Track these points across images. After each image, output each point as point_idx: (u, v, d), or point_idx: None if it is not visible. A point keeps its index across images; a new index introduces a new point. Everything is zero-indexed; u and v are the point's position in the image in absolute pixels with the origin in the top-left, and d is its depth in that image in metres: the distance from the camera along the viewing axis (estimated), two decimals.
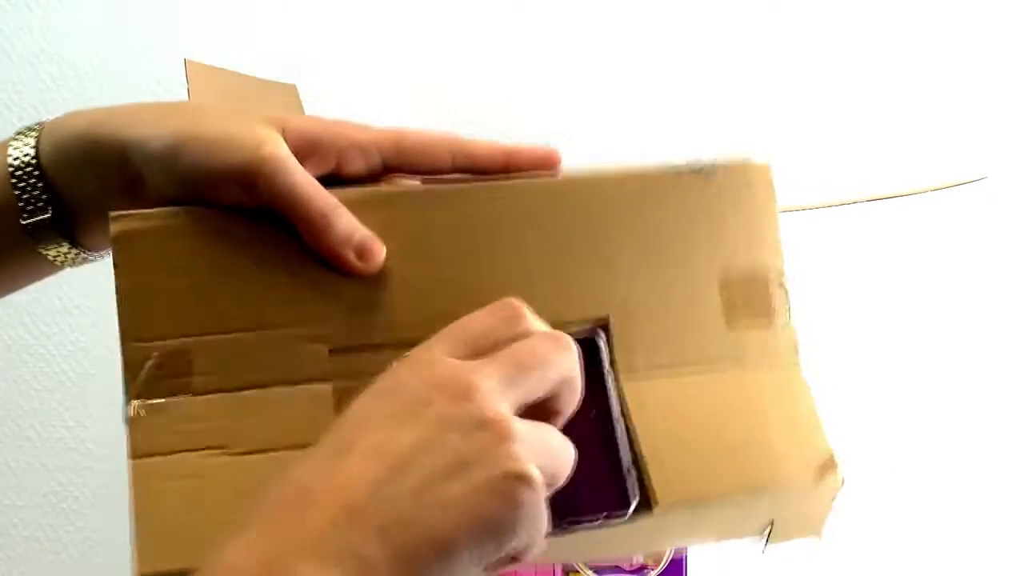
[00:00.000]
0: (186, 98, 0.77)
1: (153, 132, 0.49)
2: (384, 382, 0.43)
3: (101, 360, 1.09)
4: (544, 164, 0.53)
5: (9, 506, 1.10)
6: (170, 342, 0.48)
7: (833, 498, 0.53)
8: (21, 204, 0.52)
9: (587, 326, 0.50)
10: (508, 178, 0.52)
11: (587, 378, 0.45)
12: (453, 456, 0.39)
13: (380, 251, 0.49)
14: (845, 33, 1.01)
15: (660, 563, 0.87)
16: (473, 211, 0.51)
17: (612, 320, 0.50)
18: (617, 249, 0.51)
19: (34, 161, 0.52)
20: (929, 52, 1.00)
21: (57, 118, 0.54)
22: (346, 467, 0.39)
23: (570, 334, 0.45)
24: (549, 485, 0.42)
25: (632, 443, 0.48)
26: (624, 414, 0.49)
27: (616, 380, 0.49)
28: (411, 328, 0.47)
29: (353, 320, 0.48)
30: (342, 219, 0.48)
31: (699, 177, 0.53)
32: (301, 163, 0.49)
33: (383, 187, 0.52)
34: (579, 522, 0.47)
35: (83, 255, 0.55)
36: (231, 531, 0.40)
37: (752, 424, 0.50)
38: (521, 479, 0.39)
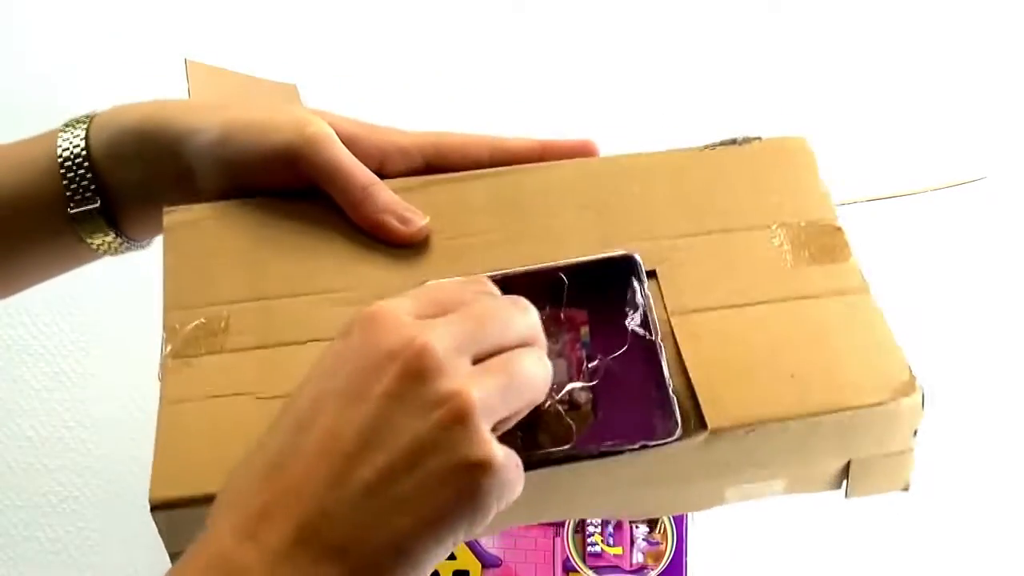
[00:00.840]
0: (185, 97, 0.77)
1: (204, 122, 0.51)
2: (338, 345, 0.40)
3: (101, 360, 1.09)
4: (581, 153, 0.53)
5: (9, 506, 1.10)
6: (209, 308, 0.48)
7: (914, 430, 0.47)
8: (69, 193, 0.53)
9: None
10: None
11: (622, 295, 0.44)
12: (407, 443, 0.37)
13: (422, 218, 0.49)
14: (845, 33, 1.01)
15: (660, 563, 0.87)
16: (512, 187, 0.52)
17: (659, 270, 0.49)
18: (658, 213, 0.51)
19: (84, 152, 0.53)
20: (929, 52, 1.00)
21: (107, 110, 0.55)
22: (297, 465, 0.37)
23: (605, 257, 0.45)
24: (527, 409, 0.40)
25: (684, 370, 0.45)
26: (675, 341, 0.46)
27: (664, 307, 0.47)
28: None
29: (394, 284, 0.48)
30: (383, 191, 0.50)
31: (734, 148, 0.54)
32: None
33: (420, 176, 0.53)
34: (619, 449, 0.43)
35: (126, 243, 0.57)
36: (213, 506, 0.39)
37: (817, 350, 0.47)
38: (481, 467, 0.37)
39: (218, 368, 0.47)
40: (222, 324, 0.48)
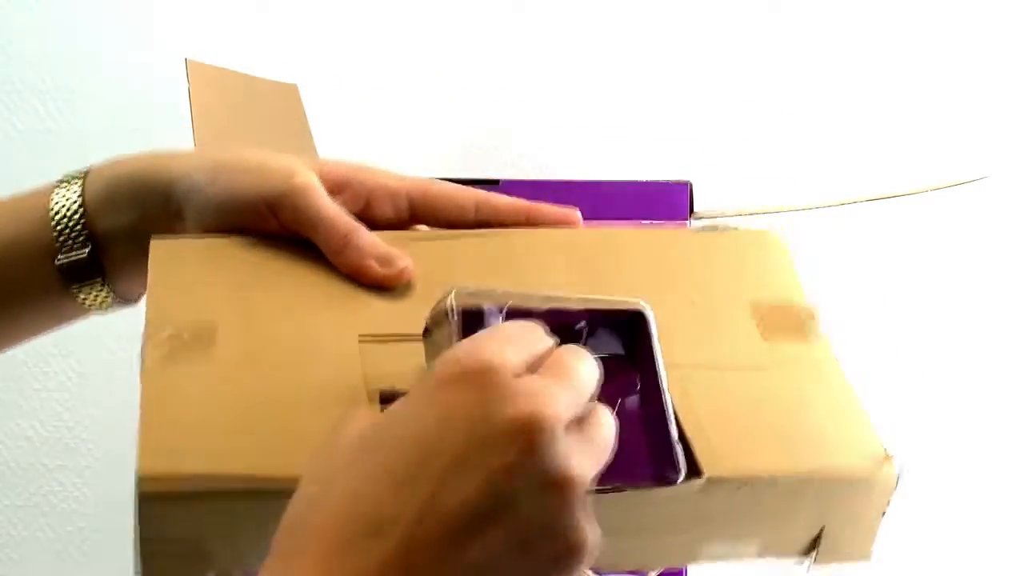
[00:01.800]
0: (186, 98, 0.77)
1: (196, 165, 0.52)
2: (441, 397, 0.37)
3: (101, 360, 1.09)
4: (564, 222, 0.54)
5: (9, 506, 1.10)
6: (194, 319, 0.48)
7: (887, 501, 0.50)
8: (59, 243, 0.53)
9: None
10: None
11: (636, 349, 0.45)
12: (520, 526, 0.35)
13: (404, 259, 0.50)
14: (845, 33, 1.01)
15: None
16: (502, 247, 0.52)
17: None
18: (643, 279, 0.52)
19: (78, 203, 0.54)
20: (929, 52, 1.00)
21: (104, 162, 0.55)
22: (400, 528, 0.35)
23: (616, 309, 0.45)
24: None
25: (677, 421, 0.45)
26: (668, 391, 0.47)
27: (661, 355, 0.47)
28: None
29: (379, 320, 0.49)
30: (364, 236, 0.50)
31: (714, 232, 0.55)
32: (332, 199, 0.51)
33: (404, 231, 0.53)
34: (622, 487, 0.43)
35: (115, 299, 0.57)
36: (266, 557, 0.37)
37: (800, 414, 0.48)
38: (582, 550, 0.36)
39: (204, 361, 0.46)
40: (210, 331, 0.47)
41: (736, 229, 0.56)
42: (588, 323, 0.45)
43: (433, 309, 0.44)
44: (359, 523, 0.36)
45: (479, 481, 0.35)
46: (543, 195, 0.74)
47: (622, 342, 0.46)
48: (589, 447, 0.38)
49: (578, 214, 0.54)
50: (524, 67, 1.04)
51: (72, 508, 1.07)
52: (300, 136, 0.95)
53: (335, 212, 0.50)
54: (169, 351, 0.47)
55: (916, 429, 1.01)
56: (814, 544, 0.49)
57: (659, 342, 0.47)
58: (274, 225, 0.50)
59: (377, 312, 0.49)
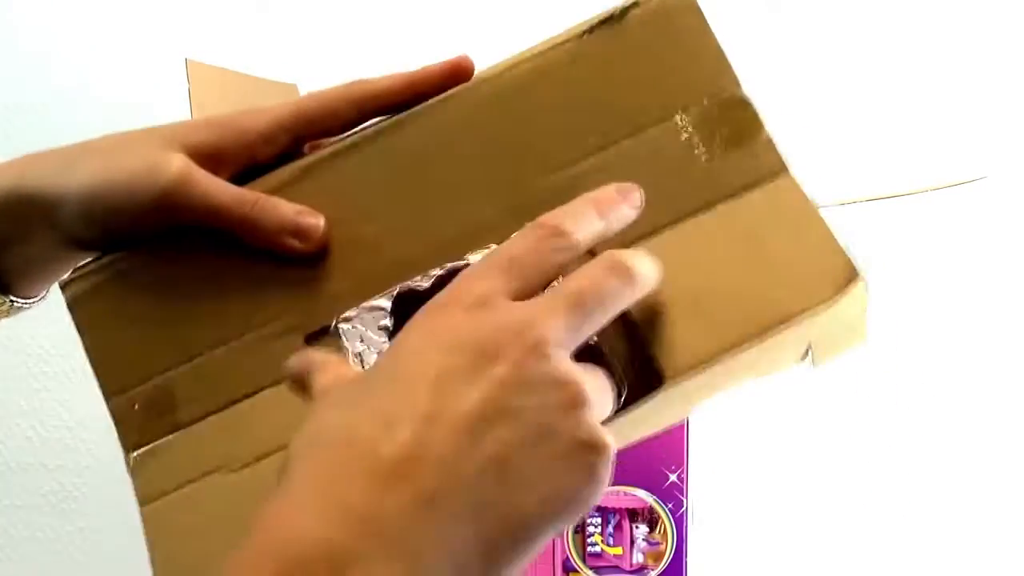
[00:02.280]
0: (186, 98, 0.77)
1: (69, 189, 0.49)
2: (434, 321, 0.39)
3: None
4: (455, 77, 0.50)
5: (9, 506, 1.10)
6: (148, 384, 0.47)
7: (864, 307, 0.46)
8: None
9: None
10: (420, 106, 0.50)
11: None
12: (528, 422, 0.36)
13: (318, 224, 0.48)
14: (845, 33, 1.01)
15: (660, 563, 0.87)
16: (400, 150, 0.49)
17: None
18: (562, 134, 0.47)
19: None
20: (929, 52, 1.00)
21: None
22: (406, 435, 0.35)
23: None
24: None
25: (639, 324, 0.44)
26: None
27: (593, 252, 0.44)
28: (381, 284, 0.46)
29: (317, 301, 0.47)
30: (268, 209, 0.48)
31: (615, 27, 0.49)
32: (214, 172, 0.49)
33: (300, 160, 0.50)
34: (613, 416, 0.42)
35: (17, 304, 0.55)
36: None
37: (756, 261, 0.45)
38: (599, 450, 0.36)
39: (181, 448, 0.46)
40: (168, 398, 0.47)
41: (635, 7, 0.49)
42: None
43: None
44: (373, 424, 0.36)
45: (489, 387, 0.36)
46: None
47: None
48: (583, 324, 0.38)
49: (469, 60, 0.50)
50: None
51: (72, 508, 1.07)
52: None
53: (225, 196, 0.48)
54: (141, 435, 0.46)
55: (916, 429, 1.01)
56: (807, 353, 0.47)
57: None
58: (172, 223, 0.48)
59: (309, 297, 0.47)
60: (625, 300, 0.40)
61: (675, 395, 0.44)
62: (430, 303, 0.39)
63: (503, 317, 0.38)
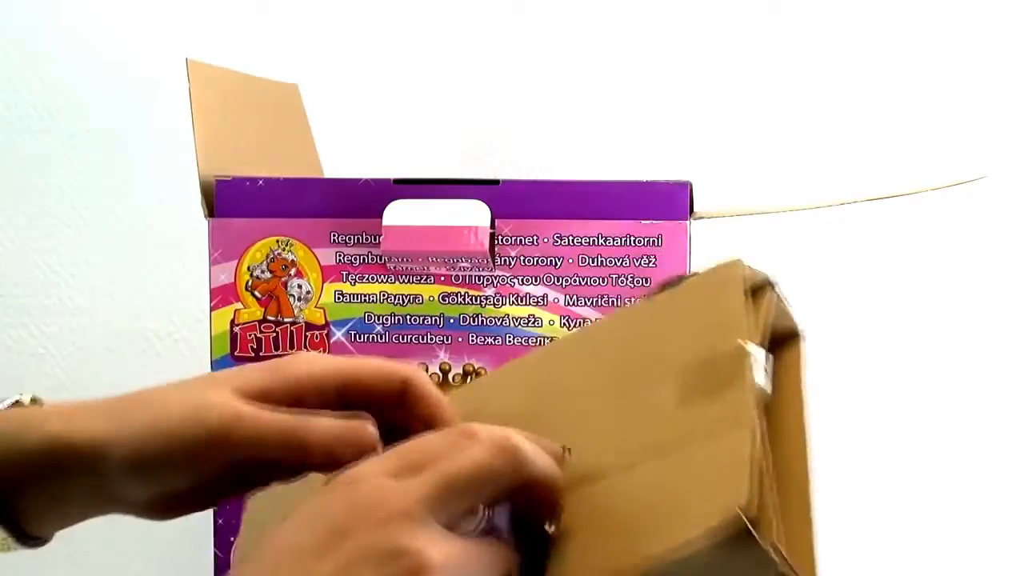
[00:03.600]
0: (186, 103, 0.77)
1: (118, 437, 0.47)
2: (314, 502, 0.41)
3: (101, 360, 1.09)
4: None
5: None
6: None
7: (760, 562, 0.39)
8: None
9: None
10: None
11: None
12: None
13: (364, 426, 0.47)
14: (845, 34, 1.01)
15: None
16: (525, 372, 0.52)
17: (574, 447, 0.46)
18: (588, 384, 0.49)
19: None
20: (929, 52, 1.00)
21: (6, 419, 0.49)
22: None
23: None
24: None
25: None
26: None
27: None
28: None
29: None
30: (316, 427, 0.47)
31: (671, 292, 0.50)
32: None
33: None
34: None
35: (16, 547, 0.53)
36: None
37: (652, 504, 0.42)
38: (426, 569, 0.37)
39: None
40: None
41: (695, 276, 0.50)
42: None
43: None
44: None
45: (333, 563, 0.38)
46: (543, 195, 0.74)
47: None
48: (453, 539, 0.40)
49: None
50: (524, 67, 1.04)
51: None
52: (300, 136, 0.95)
53: (273, 422, 0.46)
54: None
55: (916, 429, 1.01)
56: None
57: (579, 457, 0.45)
58: (222, 464, 0.47)
59: None
60: (501, 472, 0.40)
61: None
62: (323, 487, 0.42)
63: (363, 493, 0.40)
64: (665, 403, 0.45)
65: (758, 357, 0.44)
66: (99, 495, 0.49)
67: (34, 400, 0.52)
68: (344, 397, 0.49)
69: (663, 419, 0.44)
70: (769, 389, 0.44)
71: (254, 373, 0.48)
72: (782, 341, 0.48)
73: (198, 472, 0.46)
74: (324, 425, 0.46)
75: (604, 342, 0.51)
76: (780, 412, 0.45)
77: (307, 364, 0.48)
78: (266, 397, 0.47)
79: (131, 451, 0.46)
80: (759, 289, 0.47)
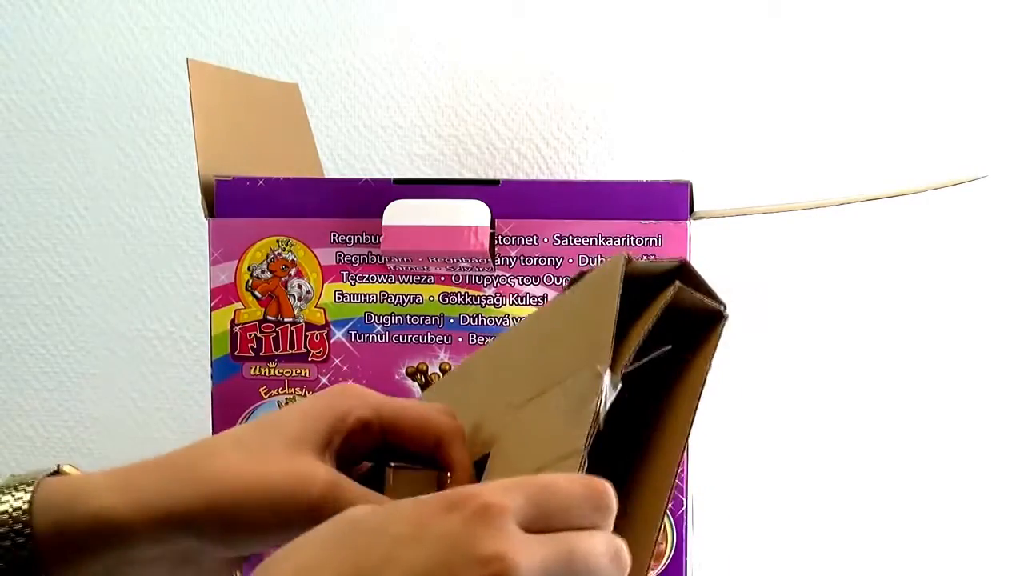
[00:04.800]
0: (186, 103, 0.77)
1: (194, 503, 0.46)
2: (431, 514, 0.38)
3: (101, 360, 1.09)
4: None
5: None
6: None
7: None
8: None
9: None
10: None
11: None
12: None
13: None
14: (845, 34, 1.01)
15: (660, 563, 0.87)
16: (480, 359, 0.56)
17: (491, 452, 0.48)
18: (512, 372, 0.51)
19: (24, 520, 0.46)
20: (929, 52, 1.00)
21: (56, 483, 0.48)
22: None
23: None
24: None
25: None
26: None
27: None
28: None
29: None
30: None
31: (580, 283, 0.50)
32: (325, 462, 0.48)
33: None
34: None
35: None
36: None
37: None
38: None
39: None
40: None
41: (591, 272, 0.50)
42: None
43: None
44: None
45: None
46: (543, 195, 0.74)
47: None
48: None
49: None
50: (524, 67, 1.04)
51: None
52: (300, 136, 0.95)
53: (368, 499, 0.46)
54: None
55: (916, 429, 1.01)
56: None
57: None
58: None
59: None
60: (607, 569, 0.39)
61: None
62: (448, 493, 0.39)
63: (491, 540, 0.37)
64: (555, 417, 0.46)
65: (607, 385, 0.45)
66: (169, 562, 0.48)
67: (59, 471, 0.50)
68: (384, 440, 0.49)
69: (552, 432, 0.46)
70: (607, 408, 0.45)
71: (316, 424, 0.48)
72: (698, 324, 0.48)
73: (293, 534, 0.45)
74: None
75: (527, 336, 0.52)
76: (673, 408, 0.48)
77: (355, 411, 0.49)
78: (330, 445, 0.48)
79: (224, 525, 0.46)
80: (659, 282, 0.47)
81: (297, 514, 0.46)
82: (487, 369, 0.54)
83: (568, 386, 0.46)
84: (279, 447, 0.47)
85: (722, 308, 0.47)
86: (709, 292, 0.47)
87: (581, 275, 0.50)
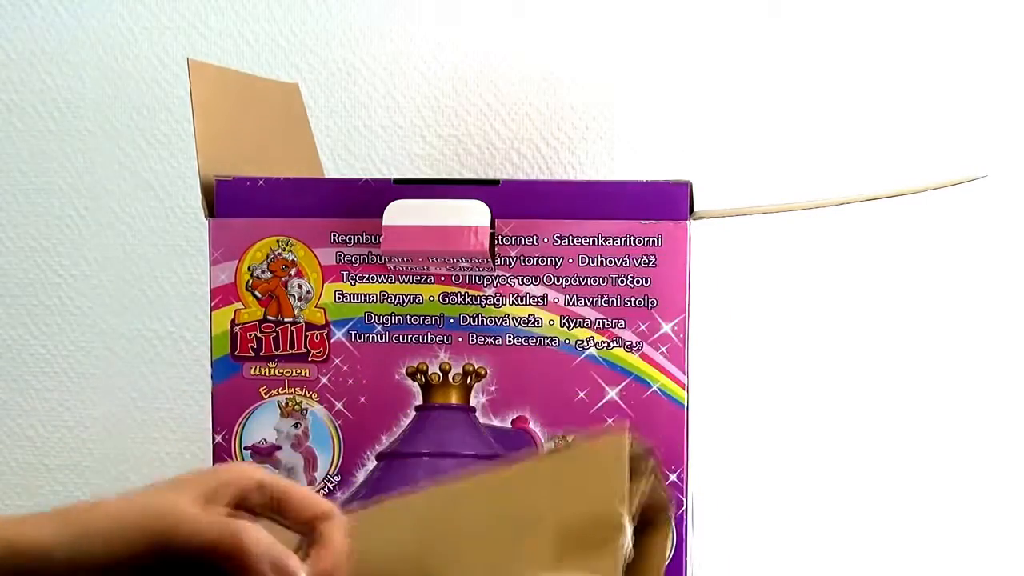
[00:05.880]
0: (187, 103, 0.77)
1: (65, 549, 0.48)
2: None
3: (101, 360, 1.09)
4: None
5: (9, 506, 1.10)
6: None
7: None
8: None
9: None
10: None
11: None
12: None
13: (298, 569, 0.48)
14: (845, 34, 1.01)
15: None
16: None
17: None
18: (473, 534, 0.51)
19: None
20: (929, 52, 1.00)
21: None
22: None
23: None
24: None
25: None
26: None
27: None
28: None
29: None
30: (252, 541, 0.48)
31: (555, 455, 0.52)
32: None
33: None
34: None
35: None
36: None
37: None
38: None
39: None
40: None
41: (583, 441, 0.52)
42: None
43: None
44: None
45: None
46: (543, 195, 0.74)
47: None
48: None
49: None
50: (524, 67, 1.04)
51: None
52: (300, 136, 0.95)
53: (213, 524, 0.48)
54: None
55: (917, 429, 1.01)
56: None
57: None
58: (160, 563, 0.48)
59: None
60: None
61: None
62: None
63: None
64: (541, 556, 0.48)
65: (628, 529, 0.47)
66: None
67: None
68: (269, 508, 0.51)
69: (537, 571, 0.47)
70: (630, 559, 0.47)
71: (203, 476, 0.50)
72: (650, 519, 0.52)
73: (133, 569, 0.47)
74: (264, 540, 0.48)
75: (492, 490, 0.53)
76: None
77: (248, 471, 0.50)
78: (216, 495, 0.49)
79: (76, 553, 0.47)
80: (637, 461, 0.50)
81: (128, 543, 0.47)
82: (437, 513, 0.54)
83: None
84: (152, 488, 0.49)
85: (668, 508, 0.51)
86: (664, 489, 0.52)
87: (559, 445, 0.52)
